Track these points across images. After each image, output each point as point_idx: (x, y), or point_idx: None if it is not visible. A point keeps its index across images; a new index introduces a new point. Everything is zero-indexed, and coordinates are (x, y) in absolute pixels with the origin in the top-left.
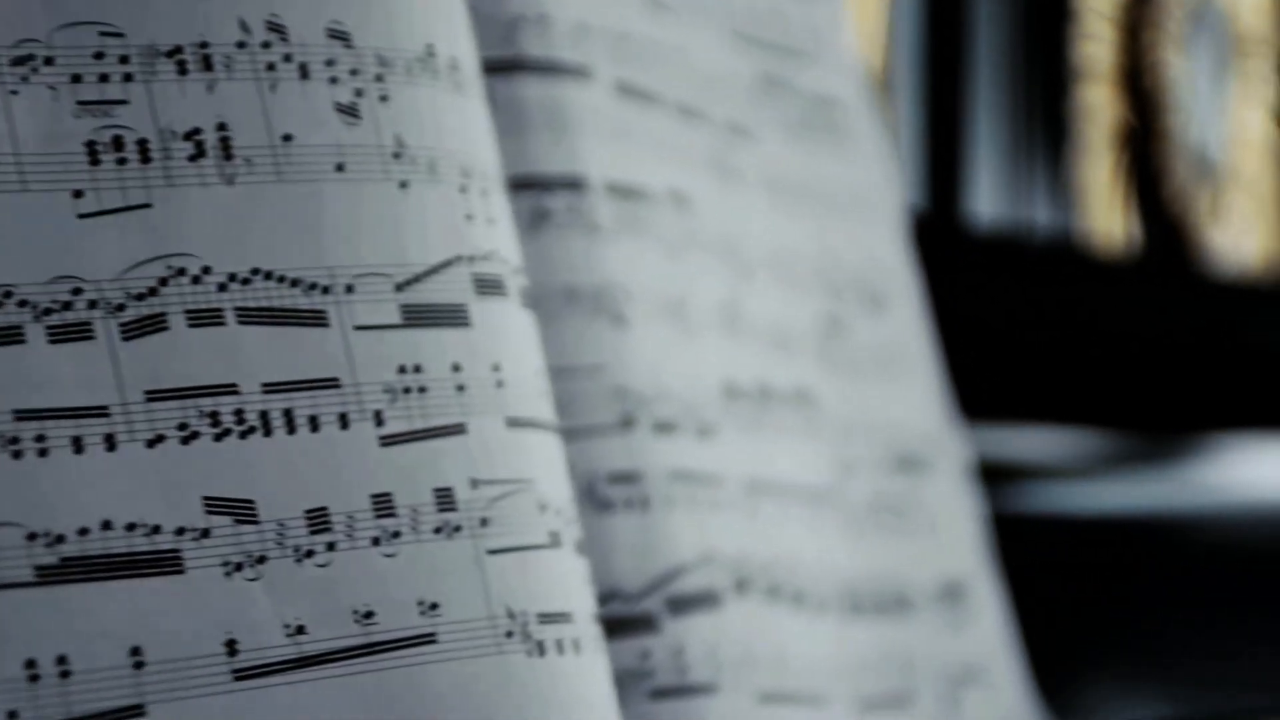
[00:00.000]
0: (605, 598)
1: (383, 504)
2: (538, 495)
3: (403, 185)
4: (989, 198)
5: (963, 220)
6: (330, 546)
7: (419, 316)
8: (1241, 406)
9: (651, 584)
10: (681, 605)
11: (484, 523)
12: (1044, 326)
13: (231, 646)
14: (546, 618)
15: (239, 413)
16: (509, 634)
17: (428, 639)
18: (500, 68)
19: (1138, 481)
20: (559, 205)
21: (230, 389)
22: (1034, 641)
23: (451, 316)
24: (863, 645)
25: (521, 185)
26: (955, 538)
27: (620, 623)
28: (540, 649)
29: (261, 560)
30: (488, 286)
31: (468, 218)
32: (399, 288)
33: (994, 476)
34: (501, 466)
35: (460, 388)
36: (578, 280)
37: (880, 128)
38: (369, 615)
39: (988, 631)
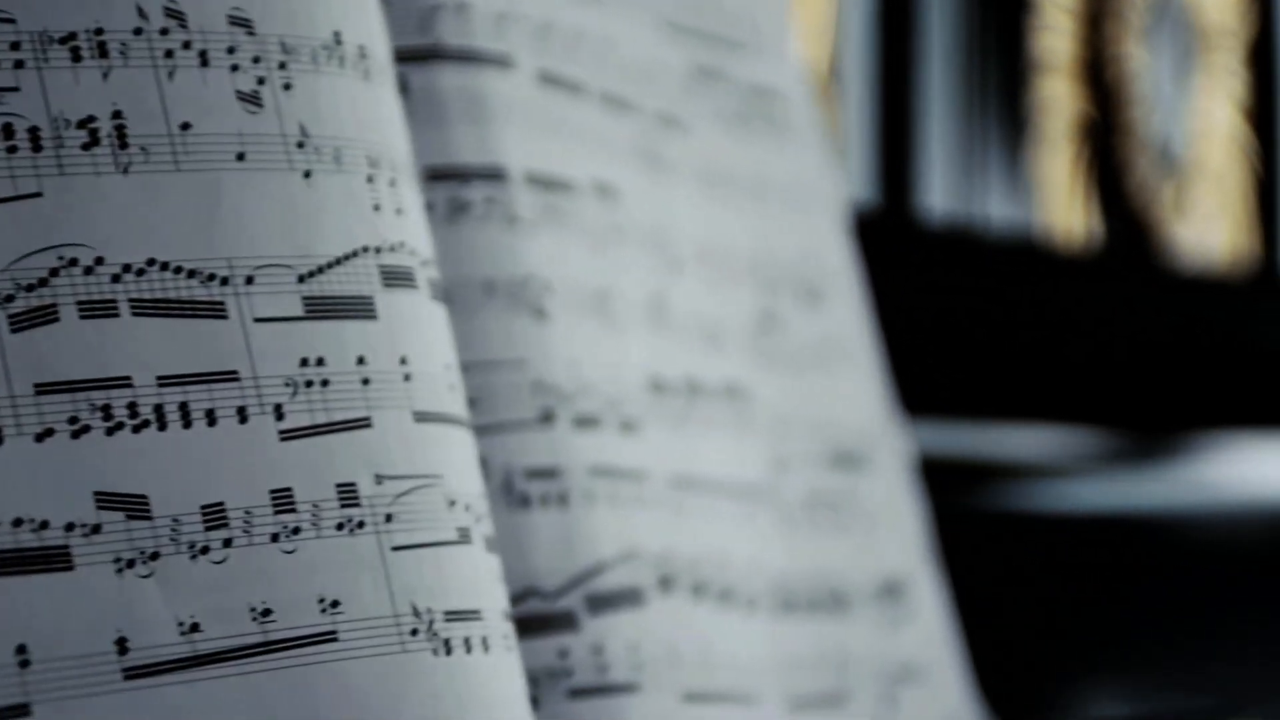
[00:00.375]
0: (523, 595)
1: (282, 499)
2: (446, 491)
3: (306, 175)
4: (942, 192)
5: (915, 215)
6: (227, 543)
7: (322, 308)
8: (1208, 404)
9: (571, 581)
10: (602, 603)
11: (389, 519)
12: (1000, 322)
13: (122, 645)
14: (454, 615)
15: (132, 406)
16: (414, 632)
17: (328, 637)
18: (417, 57)
19: (1109, 480)
20: (477, 196)
21: (123, 382)
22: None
23: (357, 308)
24: (796, 643)
25: (439, 176)
26: (895, 535)
27: (538, 620)
28: (447, 647)
29: (154, 557)
30: (395, 278)
31: (375, 208)
32: (302, 279)
33: (941, 472)
34: (408, 461)
35: (365, 381)
36: (497, 273)
37: (820, 121)
38: (267, 613)
39: (928, 630)
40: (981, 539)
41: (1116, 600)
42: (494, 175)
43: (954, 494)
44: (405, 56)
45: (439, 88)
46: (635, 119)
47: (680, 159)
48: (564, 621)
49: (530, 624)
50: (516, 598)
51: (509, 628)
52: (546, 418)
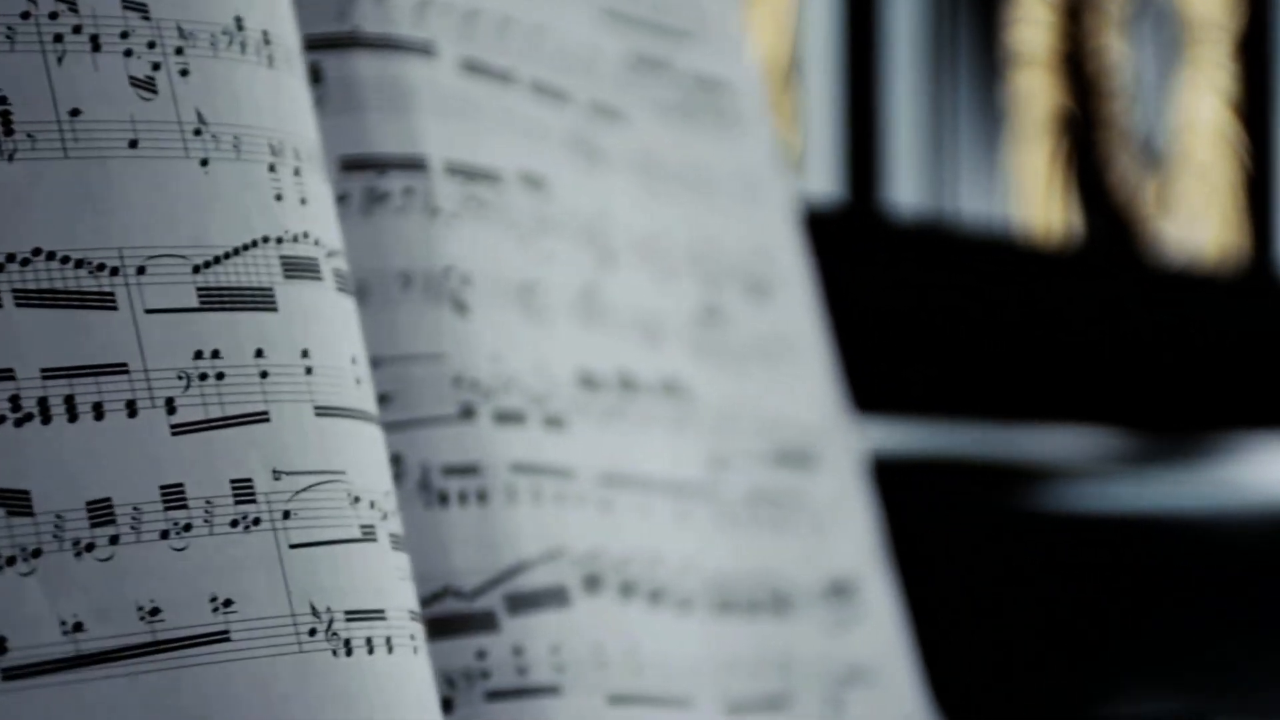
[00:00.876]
0: (440, 595)
1: (173, 495)
2: (349, 487)
3: (203, 163)
4: (911, 187)
5: (882, 210)
6: (114, 540)
7: (218, 300)
8: (1193, 402)
9: (490, 581)
10: (523, 603)
11: (287, 515)
12: (975, 319)
13: (1, 644)
14: (355, 615)
15: (14, 399)
16: (312, 632)
17: (220, 637)
18: (333, 44)
19: (1096, 480)
20: (395, 187)
21: (5, 374)
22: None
23: (255, 300)
24: (735, 644)
25: (355, 166)
26: (844, 534)
27: (456, 621)
28: (347, 648)
29: (36, 554)
30: (297, 269)
31: (277, 197)
32: (196, 269)
33: (904, 472)
34: (308, 457)
35: (264, 374)
36: (415, 265)
37: (772, 113)
38: (155, 612)
39: (879, 631)
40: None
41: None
42: (413, 165)
43: (917, 492)
44: (321, 44)
45: (356, 76)
46: (569, 109)
47: (617, 150)
48: (483, 622)
49: (447, 624)
50: (433, 597)
51: (417, 628)
52: (467, 413)
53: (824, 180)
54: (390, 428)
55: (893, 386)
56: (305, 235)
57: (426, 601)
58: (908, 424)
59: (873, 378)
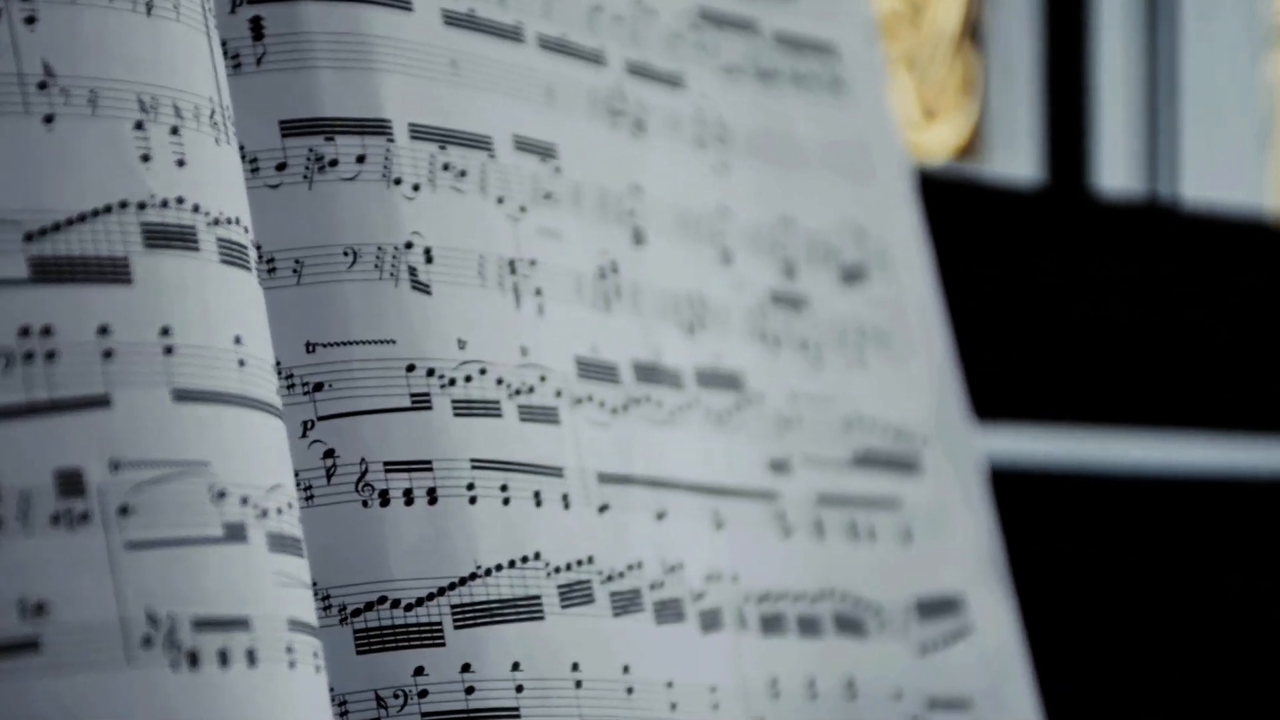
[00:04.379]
0: (373, 604)
1: None
2: (213, 480)
3: (48, 120)
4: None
5: (1090, 193)
6: None
7: (54, 271)
8: None
9: (436, 588)
10: (477, 614)
11: (125, 511)
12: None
13: None
14: (208, 623)
15: None
16: (146, 641)
17: (28, 646)
18: None
19: None
20: (348, 151)
21: None
22: None
23: (103, 271)
24: (779, 666)
25: (298, 129)
26: (946, 548)
27: (389, 633)
28: (192, 660)
29: None
30: (163, 238)
31: (143, 158)
32: (30, 237)
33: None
34: (159, 446)
35: (108, 354)
36: (365, 239)
37: (882, 78)
38: None
39: (982, 655)
40: None
41: None
42: (371, 129)
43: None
44: None
45: (305, 30)
46: (597, 71)
47: (664, 117)
48: (424, 635)
49: (379, 637)
50: (366, 607)
51: (302, 640)
52: (420, 403)
53: (1021, 161)
54: (324, 419)
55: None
56: (179, 201)
57: (357, 611)
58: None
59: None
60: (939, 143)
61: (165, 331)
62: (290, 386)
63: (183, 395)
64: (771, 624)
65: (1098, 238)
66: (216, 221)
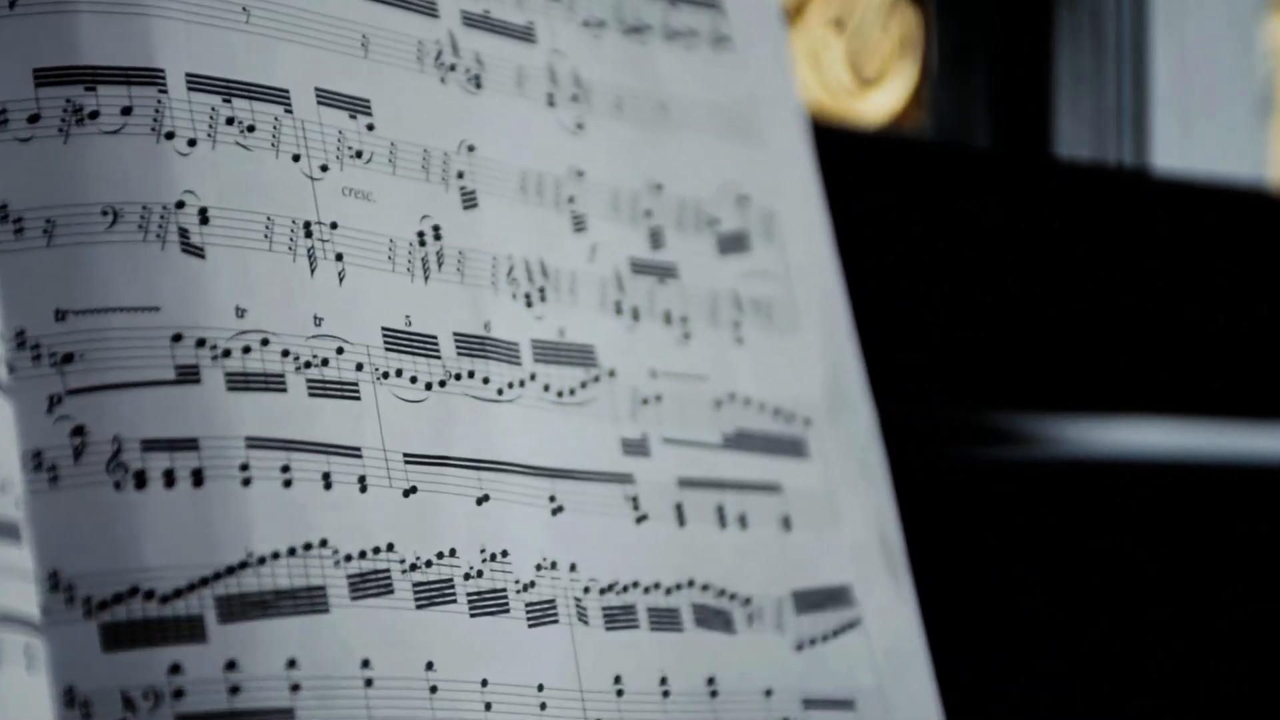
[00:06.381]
0: (123, 596)
1: None
2: None
3: None
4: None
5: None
6: None
7: None
8: None
9: (199, 579)
10: (246, 607)
11: None
12: None
13: None
14: None
15: None
16: None
17: None
18: None
19: None
20: (111, 103)
21: None
22: None
23: None
24: (627, 662)
25: (54, 78)
26: (834, 536)
27: (141, 627)
28: None
29: None
30: None
31: None
32: None
33: None
34: None
35: None
36: (129, 197)
37: (781, 36)
38: None
39: (871, 652)
40: None
41: None
42: (142, 79)
43: None
44: None
45: None
46: (421, 19)
47: (507, 71)
48: (182, 629)
49: (130, 632)
50: (115, 599)
51: (11, 637)
52: (187, 376)
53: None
54: (74, 392)
55: None
56: None
57: (104, 604)
58: None
59: None
60: (875, 110)
61: None
62: (36, 358)
63: None
64: (618, 617)
65: (1056, 204)
66: None
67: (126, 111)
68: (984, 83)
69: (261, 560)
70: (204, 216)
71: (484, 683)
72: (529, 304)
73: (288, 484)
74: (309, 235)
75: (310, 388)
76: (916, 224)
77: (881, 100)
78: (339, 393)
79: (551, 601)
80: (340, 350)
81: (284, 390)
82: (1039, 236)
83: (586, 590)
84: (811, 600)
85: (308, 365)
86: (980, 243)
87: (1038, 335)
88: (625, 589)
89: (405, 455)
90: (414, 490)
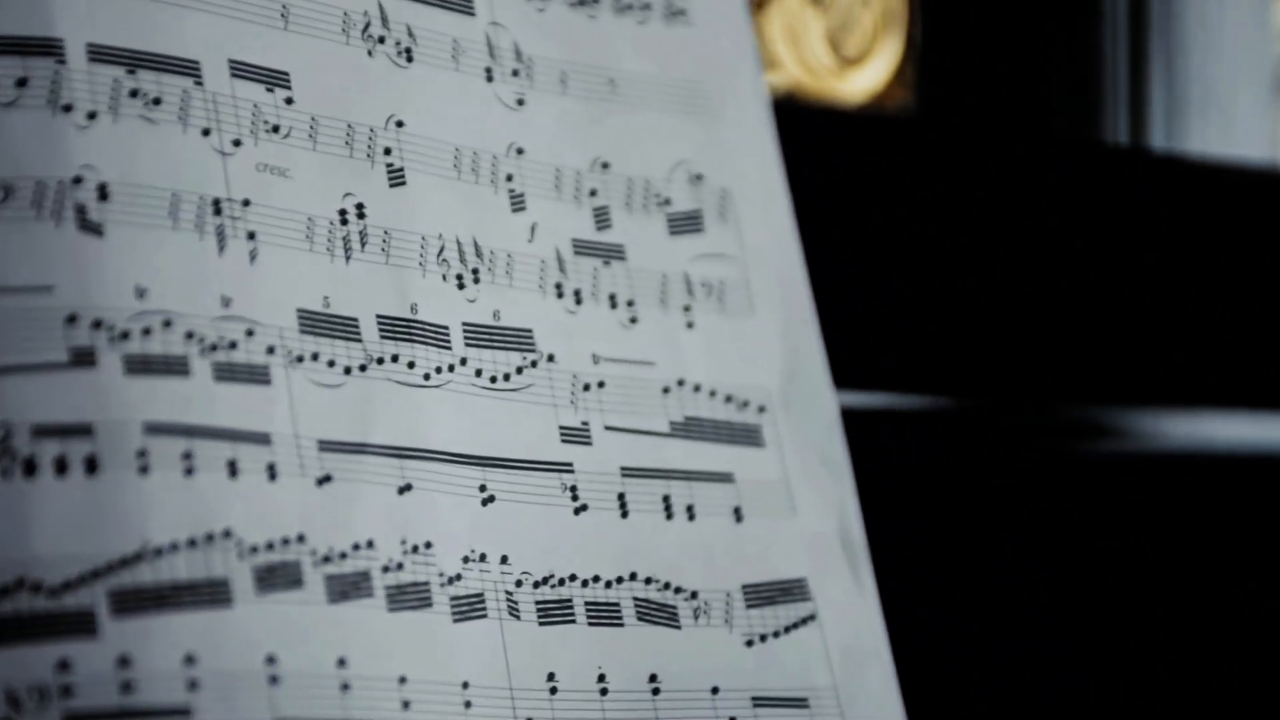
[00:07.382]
0: (9, 588)
1: None
2: None
3: None
4: None
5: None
6: None
7: None
8: None
9: (90, 571)
10: (141, 601)
11: None
12: None
13: None
14: None
15: None
16: None
17: None
18: None
19: None
20: (4, 74)
21: None
22: None
23: None
24: (568, 657)
25: None
26: (790, 528)
27: (28, 621)
28: None
29: None
30: None
31: None
32: None
33: None
34: None
35: None
36: (22, 171)
37: (740, 8)
38: None
39: (827, 647)
40: None
41: None
42: (37, 48)
43: None
44: None
45: None
46: None
47: (438, 42)
48: (71, 623)
49: (16, 625)
50: (0, 591)
51: None
52: (82, 359)
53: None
54: None
55: None
56: None
57: None
58: None
59: None
60: (858, 90)
61: None
62: None
63: None
64: (552, 611)
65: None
66: None
67: (21, 84)
68: (972, 60)
69: (159, 551)
70: (103, 193)
71: (402, 679)
72: (460, 285)
73: (189, 472)
74: (218, 213)
75: (216, 371)
76: (898, 203)
77: (864, 79)
78: (248, 377)
79: (479, 595)
80: (250, 333)
81: (187, 374)
82: (1042, 220)
83: (519, 583)
84: (763, 594)
85: (214, 348)
86: (987, 227)
87: (1037, 322)
88: (561, 582)
89: (320, 442)
90: (328, 479)
